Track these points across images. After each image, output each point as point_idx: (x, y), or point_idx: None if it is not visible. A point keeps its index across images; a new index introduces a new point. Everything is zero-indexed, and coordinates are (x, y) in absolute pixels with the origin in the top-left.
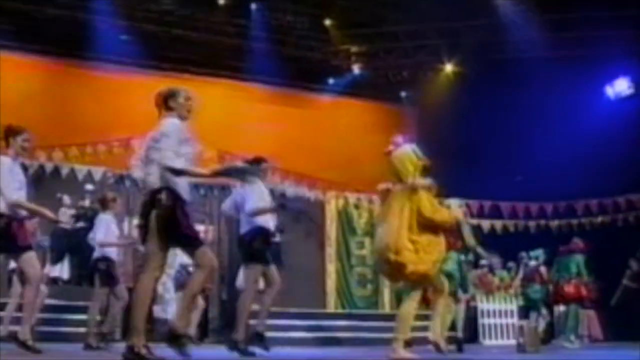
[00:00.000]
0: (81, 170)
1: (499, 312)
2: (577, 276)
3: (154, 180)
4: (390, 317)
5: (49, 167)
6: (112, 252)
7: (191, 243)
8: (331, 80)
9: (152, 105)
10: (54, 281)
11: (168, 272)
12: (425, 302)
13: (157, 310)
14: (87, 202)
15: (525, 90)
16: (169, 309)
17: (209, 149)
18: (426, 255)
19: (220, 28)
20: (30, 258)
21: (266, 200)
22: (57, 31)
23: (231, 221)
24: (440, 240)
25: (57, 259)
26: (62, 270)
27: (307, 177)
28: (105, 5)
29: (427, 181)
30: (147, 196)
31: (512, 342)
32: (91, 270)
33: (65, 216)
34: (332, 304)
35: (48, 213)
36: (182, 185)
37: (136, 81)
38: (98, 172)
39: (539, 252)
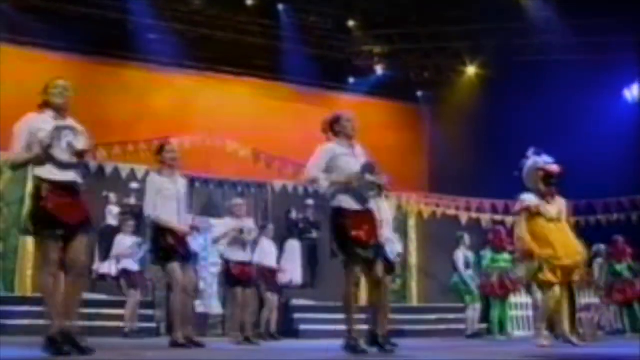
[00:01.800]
0: (124, 168)
1: (523, 305)
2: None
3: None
4: (418, 310)
5: (92, 165)
6: None
7: None
8: (352, 80)
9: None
10: (102, 277)
11: (210, 268)
12: None
13: (199, 305)
14: (132, 200)
15: (545, 92)
16: (212, 303)
17: (244, 147)
18: None
19: (247, 28)
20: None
21: None
22: (87, 30)
23: (267, 217)
24: None
25: (105, 256)
26: (110, 267)
27: None
28: (135, 4)
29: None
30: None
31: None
32: None
33: (112, 214)
34: (363, 298)
35: (181, 229)
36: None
37: (165, 80)
38: (141, 170)
39: None
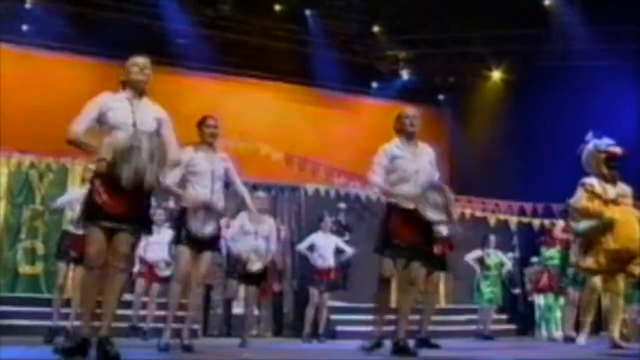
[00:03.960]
0: None
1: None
2: None
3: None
4: (446, 311)
5: None
6: None
7: None
8: (376, 84)
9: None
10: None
11: None
12: None
13: (235, 306)
14: (171, 203)
15: (570, 97)
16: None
17: (276, 151)
18: None
19: (274, 33)
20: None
21: None
22: (117, 34)
23: (300, 222)
24: None
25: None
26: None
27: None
28: (164, 9)
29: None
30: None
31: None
32: None
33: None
34: (393, 299)
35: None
36: None
37: (194, 84)
38: (177, 174)
39: None
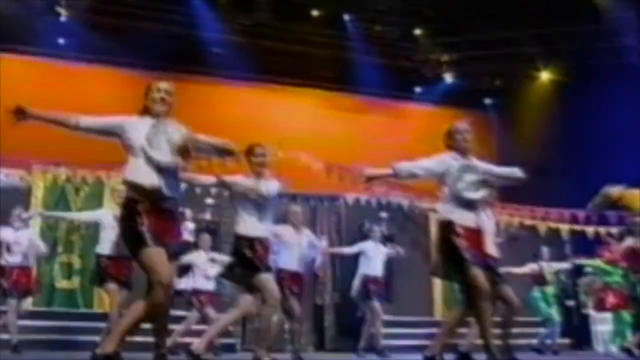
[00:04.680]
0: None
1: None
2: None
3: None
4: (496, 324)
5: None
6: None
7: None
8: (419, 89)
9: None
10: (179, 293)
11: None
12: None
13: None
14: (207, 215)
15: (625, 97)
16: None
17: (316, 160)
18: None
19: (312, 39)
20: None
21: None
22: (151, 45)
23: (340, 232)
24: None
25: (181, 273)
26: (187, 283)
27: (406, 187)
28: (199, 18)
29: None
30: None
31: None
32: None
33: (188, 230)
34: (439, 312)
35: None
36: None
37: (231, 93)
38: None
39: None
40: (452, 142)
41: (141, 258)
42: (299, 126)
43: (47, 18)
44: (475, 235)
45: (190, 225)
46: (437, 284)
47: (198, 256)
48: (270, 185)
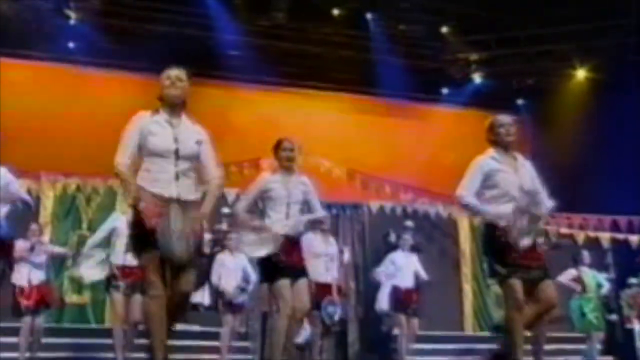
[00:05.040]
0: None
1: None
2: None
3: None
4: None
5: None
6: None
7: None
8: (446, 90)
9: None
10: (194, 307)
11: None
12: None
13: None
14: (223, 226)
15: None
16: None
17: (338, 166)
18: None
19: (333, 39)
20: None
21: None
22: (166, 48)
23: (364, 242)
24: None
25: (197, 285)
26: (203, 296)
27: (433, 194)
28: (214, 20)
29: None
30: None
31: None
32: None
33: (204, 242)
34: (469, 326)
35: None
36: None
37: (249, 97)
38: (231, 194)
39: None
40: (494, 137)
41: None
42: (319, 131)
43: (56, 21)
44: None
45: (205, 236)
46: (468, 296)
47: (223, 259)
48: (299, 182)
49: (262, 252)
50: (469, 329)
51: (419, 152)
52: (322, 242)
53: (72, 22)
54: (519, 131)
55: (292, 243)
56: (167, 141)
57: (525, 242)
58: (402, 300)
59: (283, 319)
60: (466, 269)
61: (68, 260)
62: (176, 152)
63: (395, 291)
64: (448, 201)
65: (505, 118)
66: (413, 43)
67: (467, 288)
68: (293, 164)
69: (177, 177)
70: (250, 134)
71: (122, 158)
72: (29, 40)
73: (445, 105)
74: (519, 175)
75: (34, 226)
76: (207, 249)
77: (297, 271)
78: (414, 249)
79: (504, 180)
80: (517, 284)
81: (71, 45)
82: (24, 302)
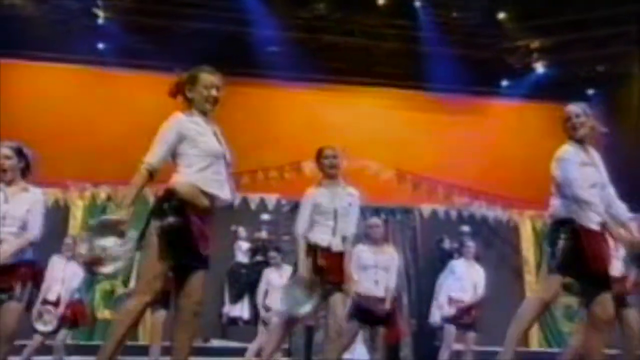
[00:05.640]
0: (254, 198)
1: None
2: None
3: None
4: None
5: None
6: None
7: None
8: (506, 82)
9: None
10: (233, 321)
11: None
12: None
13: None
14: (263, 234)
15: None
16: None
17: (386, 168)
18: None
19: (379, 31)
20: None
21: None
22: (200, 46)
23: (416, 249)
24: None
25: (236, 298)
26: (242, 309)
27: (491, 196)
28: (251, 14)
29: None
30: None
31: None
32: None
33: (242, 250)
34: (535, 341)
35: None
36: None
37: (290, 96)
38: (271, 199)
39: None
40: (566, 131)
41: None
42: (366, 130)
43: (84, 21)
44: None
45: (244, 245)
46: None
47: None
48: (346, 194)
49: (305, 309)
50: (535, 345)
51: (475, 151)
52: (371, 253)
53: (100, 21)
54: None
55: (334, 258)
56: (215, 144)
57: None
58: (458, 313)
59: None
60: (530, 278)
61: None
62: (224, 156)
63: (451, 303)
64: (507, 204)
65: (573, 109)
66: (467, 31)
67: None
68: (337, 171)
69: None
70: (290, 136)
71: (154, 157)
72: (56, 42)
73: (505, 99)
74: (600, 171)
75: (68, 239)
76: (245, 259)
77: (333, 287)
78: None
79: (591, 176)
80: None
81: (100, 45)
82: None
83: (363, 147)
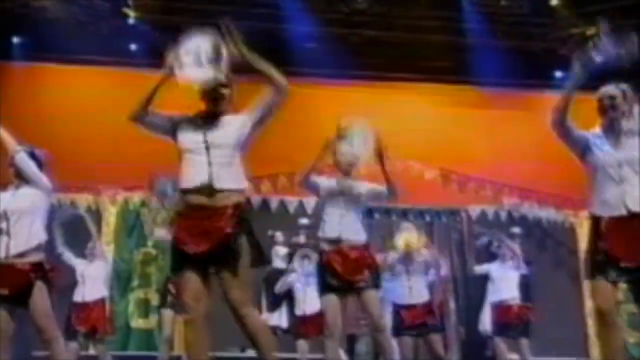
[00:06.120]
0: (292, 202)
1: None
2: None
3: None
4: None
5: (256, 200)
6: None
7: None
8: (559, 74)
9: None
10: (271, 331)
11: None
12: None
13: None
14: (301, 239)
15: None
16: None
17: (430, 168)
18: None
19: (423, 24)
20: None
21: None
22: None
23: (463, 253)
24: None
25: (274, 306)
26: (280, 318)
27: (544, 195)
28: (287, 10)
29: None
30: None
31: None
32: None
33: (279, 256)
34: (596, 351)
35: None
36: None
37: (330, 94)
38: (310, 203)
39: None
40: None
41: None
42: (409, 128)
43: (114, 22)
44: None
45: (282, 251)
46: (592, 314)
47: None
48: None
49: None
50: (596, 355)
51: (526, 147)
52: (402, 258)
53: (131, 21)
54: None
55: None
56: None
57: None
58: (503, 319)
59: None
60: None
61: (133, 281)
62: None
63: (495, 309)
64: (561, 203)
65: (606, 88)
66: (516, 21)
67: (591, 305)
68: (352, 169)
69: None
70: (329, 135)
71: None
72: (86, 44)
73: (558, 92)
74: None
75: (91, 244)
76: (283, 264)
77: (348, 285)
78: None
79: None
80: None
81: (133, 47)
82: (75, 324)
83: (405, 147)
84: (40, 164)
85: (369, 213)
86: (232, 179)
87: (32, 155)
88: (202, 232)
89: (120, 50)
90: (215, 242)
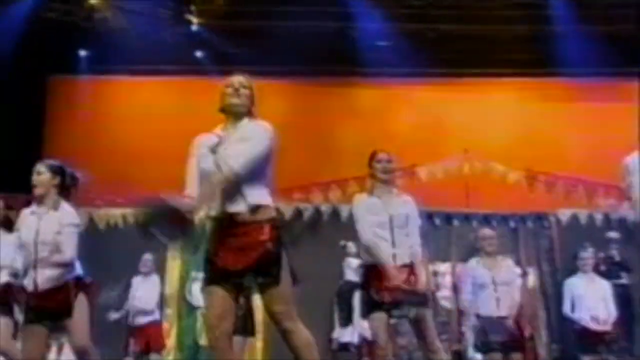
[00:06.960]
0: None
1: None
2: None
3: None
4: None
5: (326, 209)
6: None
7: None
8: None
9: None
10: (344, 347)
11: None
12: None
13: None
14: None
15: None
16: None
17: (514, 169)
18: None
19: (502, 14)
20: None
21: None
22: (302, 47)
23: (553, 261)
24: None
25: (346, 321)
26: (353, 334)
27: None
28: (355, 7)
29: None
30: None
31: None
32: None
33: (351, 268)
34: None
35: None
36: None
37: (404, 94)
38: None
39: None
40: None
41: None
42: (491, 127)
43: (177, 29)
44: None
45: (354, 262)
46: None
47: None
48: (402, 202)
49: None
50: None
51: (622, 142)
52: (487, 269)
53: (194, 28)
54: None
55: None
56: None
57: None
58: (588, 338)
59: None
60: None
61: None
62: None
63: (580, 328)
64: None
65: None
66: (604, 4)
67: None
68: (390, 177)
69: None
70: (403, 138)
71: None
72: (150, 53)
73: None
74: None
75: (147, 256)
76: (356, 277)
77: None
78: (622, 266)
79: None
80: None
81: (198, 54)
82: (131, 343)
83: (487, 147)
84: (64, 182)
85: (447, 219)
86: (261, 194)
87: (57, 171)
88: (241, 247)
89: (186, 58)
90: (255, 257)
